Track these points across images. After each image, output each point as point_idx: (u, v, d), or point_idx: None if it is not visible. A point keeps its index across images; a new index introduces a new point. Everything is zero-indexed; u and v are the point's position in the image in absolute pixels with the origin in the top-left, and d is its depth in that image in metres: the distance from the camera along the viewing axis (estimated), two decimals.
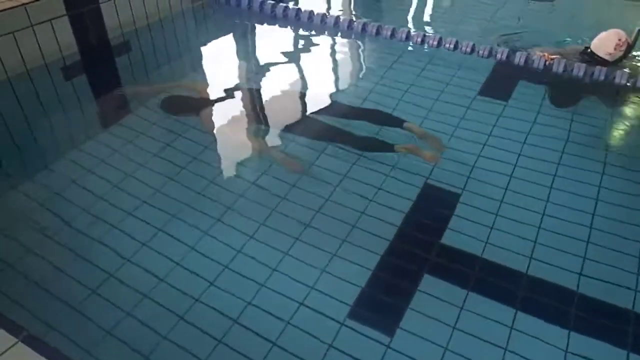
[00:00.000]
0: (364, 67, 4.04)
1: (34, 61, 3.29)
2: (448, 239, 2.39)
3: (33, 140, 2.88)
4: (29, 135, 2.91)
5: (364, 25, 4.34)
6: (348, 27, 4.39)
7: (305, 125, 3.14)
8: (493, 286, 2.18)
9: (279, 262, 2.24)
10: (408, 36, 4.21)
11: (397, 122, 3.13)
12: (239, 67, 3.96)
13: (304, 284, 2.15)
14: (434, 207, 2.59)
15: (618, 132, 3.32)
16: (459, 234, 2.41)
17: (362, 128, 3.09)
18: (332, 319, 2.02)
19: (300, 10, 4.52)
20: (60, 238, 2.27)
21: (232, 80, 3.75)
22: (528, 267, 2.26)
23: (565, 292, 2.14)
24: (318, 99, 3.43)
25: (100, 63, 3.67)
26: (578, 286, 2.16)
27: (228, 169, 2.81)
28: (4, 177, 2.62)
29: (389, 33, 4.25)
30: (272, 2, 4.56)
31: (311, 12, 4.49)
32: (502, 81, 3.72)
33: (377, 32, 4.30)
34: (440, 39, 4.11)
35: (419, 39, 4.17)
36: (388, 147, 2.91)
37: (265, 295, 2.09)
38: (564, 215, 2.51)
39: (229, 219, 2.43)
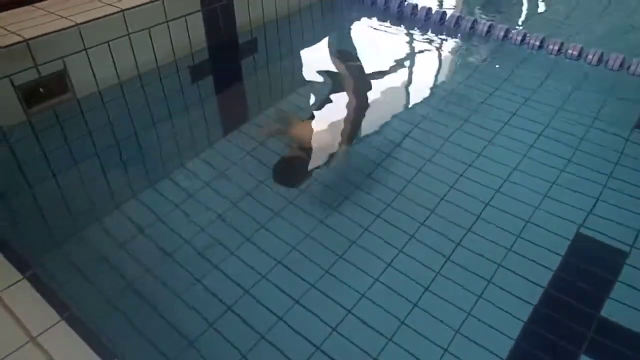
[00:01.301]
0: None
1: (165, 58, 3.27)
2: (610, 311, 2.00)
3: (157, 144, 2.84)
4: (153, 138, 2.87)
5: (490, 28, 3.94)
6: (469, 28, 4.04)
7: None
8: None
9: (407, 315, 1.99)
10: (542, 44, 3.77)
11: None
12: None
13: (437, 344, 1.88)
14: (590, 266, 2.19)
15: None
16: (625, 307, 2.01)
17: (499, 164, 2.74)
18: None
19: (430, 10, 4.21)
20: (179, 258, 2.18)
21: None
22: None
23: None
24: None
25: (227, 61, 3.57)
26: None
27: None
28: (126, 183, 2.59)
29: (536, 42, 3.78)
30: None
31: (443, 12, 4.15)
32: None
33: (505, 36, 3.89)
34: (582, 49, 3.62)
35: (555, 47, 3.70)
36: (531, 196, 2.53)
37: (393, 353, 1.85)
38: None
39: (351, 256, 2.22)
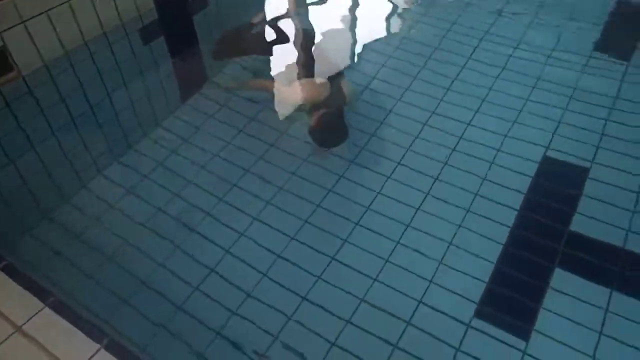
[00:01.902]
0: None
1: (111, 22, 3.08)
2: (578, 225, 2.09)
3: (115, 115, 2.71)
4: (109, 110, 2.73)
5: None
6: None
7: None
8: None
9: (391, 253, 2.03)
10: None
11: None
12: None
13: (421, 277, 1.95)
14: (557, 185, 2.27)
15: None
16: (592, 220, 2.11)
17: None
18: (457, 320, 1.82)
19: None
20: (154, 226, 2.14)
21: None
22: None
23: None
24: None
25: (178, 19, 3.35)
26: None
27: None
28: (89, 160, 2.47)
29: None
30: None
31: None
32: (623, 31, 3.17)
33: None
34: None
35: None
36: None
37: (379, 292, 1.91)
38: None
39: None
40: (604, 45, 3.02)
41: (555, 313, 1.83)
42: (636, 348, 1.72)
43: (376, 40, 3.17)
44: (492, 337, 1.77)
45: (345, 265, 2.00)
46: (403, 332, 1.79)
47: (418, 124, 2.58)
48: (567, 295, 1.87)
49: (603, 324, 1.79)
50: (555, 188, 2.25)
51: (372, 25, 3.34)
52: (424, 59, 2.99)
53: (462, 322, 1.81)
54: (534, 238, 2.07)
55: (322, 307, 1.87)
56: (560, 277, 1.93)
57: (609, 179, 2.25)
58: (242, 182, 2.32)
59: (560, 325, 1.80)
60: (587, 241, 2.04)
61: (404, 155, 2.42)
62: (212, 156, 2.44)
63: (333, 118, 2.41)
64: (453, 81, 2.82)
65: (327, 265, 1.99)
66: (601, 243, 2.03)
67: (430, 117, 2.62)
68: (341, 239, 2.08)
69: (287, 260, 2.02)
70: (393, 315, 1.84)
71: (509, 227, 2.10)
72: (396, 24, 3.38)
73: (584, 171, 2.29)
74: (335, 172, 2.35)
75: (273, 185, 2.29)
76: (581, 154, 2.37)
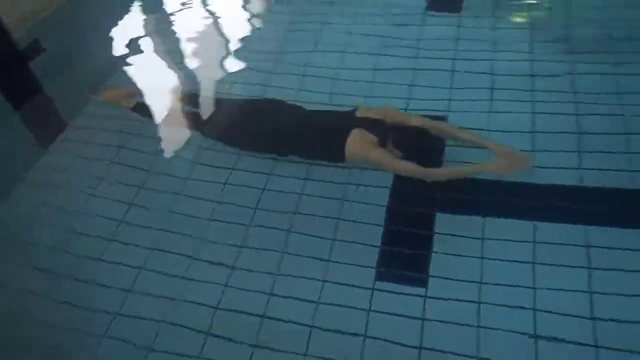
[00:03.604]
0: None
1: None
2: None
3: None
4: None
5: None
6: None
7: None
8: (508, 205, 2.12)
9: (285, 241, 2.12)
10: None
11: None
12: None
13: (319, 258, 2.05)
14: None
15: None
16: (457, 164, 2.29)
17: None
18: (361, 287, 1.94)
19: None
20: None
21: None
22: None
23: (579, 191, 2.13)
24: None
25: (15, 72, 3.10)
26: (582, 179, 2.16)
27: None
28: None
29: None
30: None
31: None
32: None
33: None
34: None
35: None
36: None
37: (283, 283, 2.00)
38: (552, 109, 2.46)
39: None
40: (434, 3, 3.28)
41: (444, 254, 2.00)
42: (510, 261, 1.94)
43: None
44: (396, 292, 1.91)
45: (244, 270, 2.07)
46: (315, 312, 1.89)
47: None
48: (451, 235, 2.05)
49: (482, 250, 1.99)
50: None
51: None
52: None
53: (366, 288, 1.94)
54: (413, 191, 2.21)
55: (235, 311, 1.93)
56: (442, 221, 2.10)
57: (464, 123, 2.44)
58: (128, 215, 2.27)
59: (450, 264, 1.97)
60: (458, 181, 2.19)
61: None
62: (87, 197, 2.37)
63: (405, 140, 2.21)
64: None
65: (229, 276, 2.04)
66: (468, 180, 2.20)
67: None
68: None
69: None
70: (302, 300, 1.93)
71: (388, 187, 2.24)
72: None
73: (442, 119, 2.48)
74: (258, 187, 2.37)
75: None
76: (437, 107, 2.57)
